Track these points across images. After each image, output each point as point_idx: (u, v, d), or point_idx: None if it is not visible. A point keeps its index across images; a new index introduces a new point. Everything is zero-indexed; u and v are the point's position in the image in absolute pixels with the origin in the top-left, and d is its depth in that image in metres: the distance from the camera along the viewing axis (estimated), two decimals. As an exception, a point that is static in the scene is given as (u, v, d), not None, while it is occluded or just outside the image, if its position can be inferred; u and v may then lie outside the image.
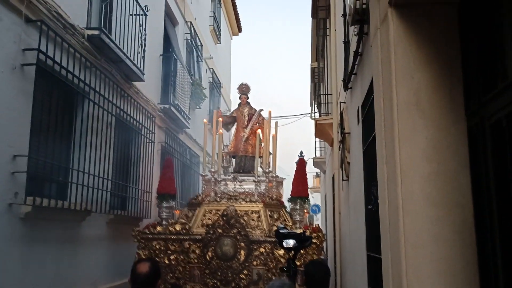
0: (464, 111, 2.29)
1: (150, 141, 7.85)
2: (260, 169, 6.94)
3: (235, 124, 7.89)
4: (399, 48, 2.42)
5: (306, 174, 6.54)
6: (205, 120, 8.09)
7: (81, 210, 5.23)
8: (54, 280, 4.81)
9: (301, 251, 4.93)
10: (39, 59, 4.40)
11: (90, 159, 5.46)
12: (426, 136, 2.32)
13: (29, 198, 4.23)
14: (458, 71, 2.34)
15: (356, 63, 4.43)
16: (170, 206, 6.21)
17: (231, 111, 8.28)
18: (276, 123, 7.38)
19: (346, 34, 5.25)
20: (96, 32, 5.46)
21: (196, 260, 5.72)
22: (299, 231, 5.50)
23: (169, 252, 5.78)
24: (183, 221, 6.08)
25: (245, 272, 5.57)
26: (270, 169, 6.91)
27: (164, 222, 6.05)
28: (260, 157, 7.00)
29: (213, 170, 6.78)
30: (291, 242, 2.83)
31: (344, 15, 5.32)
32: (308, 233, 5.33)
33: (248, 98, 7.91)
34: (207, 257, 5.62)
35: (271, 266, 5.57)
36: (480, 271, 2.13)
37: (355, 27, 4.05)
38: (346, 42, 5.26)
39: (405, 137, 2.35)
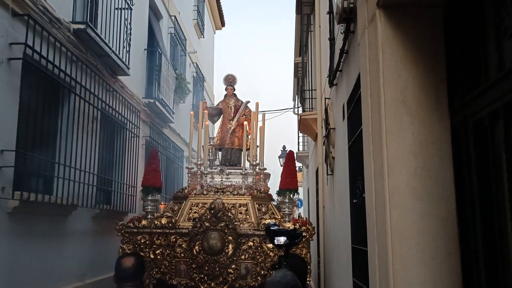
0: (448, 108, 2.39)
1: (134, 136, 7.85)
2: (247, 162, 6.82)
3: (221, 116, 7.69)
4: (386, 47, 2.50)
5: (295, 166, 6.34)
6: (191, 112, 7.75)
7: (67, 205, 5.23)
8: (41, 274, 4.82)
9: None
10: (26, 53, 4.38)
11: (76, 153, 5.46)
12: (413, 132, 2.41)
13: (16, 192, 4.23)
14: (443, 70, 2.44)
15: (342, 60, 4.52)
16: (155, 199, 6.01)
17: (217, 103, 8.00)
18: (264, 115, 7.27)
19: (332, 31, 5.33)
20: (82, 26, 5.44)
21: (182, 255, 5.56)
22: (288, 224, 5.49)
23: (155, 246, 5.61)
24: (169, 214, 5.88)
25: (233, 266, 5.44)
26: (257, 161, 6.78)
27: (149, 216, 5.85)
28: (247, 149, 6.88)
29: (199, 163, 6.62)
30: (282, 239, 2.74)
31: (330, 12, 5.40)
32: (298, 226, 5.46)
33: (234, 89, 7.72)
34: (194, 251, 5.45)
35: (260, 260, 5.45)
36: (462, 261, 2.24)
37: (341, 25, 4.14)
38: (332, 39, 5.34)
39: (392, 133, 2.44)
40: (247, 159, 6.82)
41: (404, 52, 2.50)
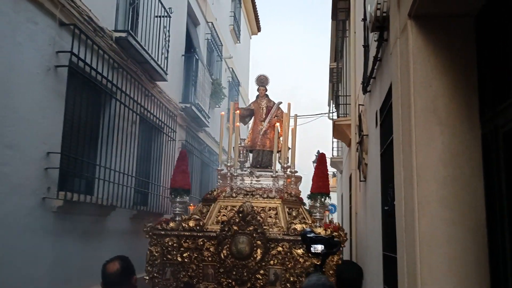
0: (479, 118, 2.40)
1: (171, 139, 8.07)
2: (278, 164, 6.63)
3: (253, 117, 7.52)
4: (417, 57, 2.54)
5: (327, 170, 6.03)
6: (222, 113, 7.55)
7: (107, 205, 5.46)
8: (81, 271, 5.05)
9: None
10: (71, 61, 4.62)
11: (115, 156, 5.69)
12: (443, 142, 2.44)
13: (61, 192, 4.47)
14: (474, 80, 2.45)
15: (376, 67, 4.54)
16: (183, 201, 5.85)
17: (249, 103, 7.79)
18: (296, 116, 7.01)
19: (366, 38, 5.36)
20: (123, 35, 5.68)
21: (210, 258, 5.42)
22: (319, 230, 5.29)
23: (182, 249, 5.47)
24: (197, 217, 5.76)
25: (262, 272, 5.28)
26: (289, 164, 6.55)
27: (177, 218, 5.71)
28: (279, 151, 6.69)
29: (229, 164, 6.43)
30: (319, 247, 2.61)
31: (364, 19, 5.43)
32: (329, 232, 5.28)
33: (266, 90, 7.54)
34: (222, 255, 5.32)
35: (289, 266, 5.27)
36: (491, 271, 2.25)
37: (375, 33, 4.17)
38: (366, 46, 5.36)
39: (422, 142, 2.47)
40: (278, 162, 6.66)
41: (435, 62, 2.52)
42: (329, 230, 5.30)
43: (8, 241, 3.79)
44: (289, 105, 6.91)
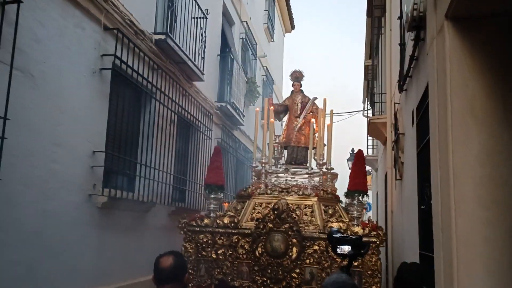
0: (517, 118, 2.40)
1: (207, 138, 8.25)
2: (313, 161, 6.44)
3: (287, 113, 7.33)
4: (454, 58, 2.56)
5: (365, 167, 5.85)
6: (257, 109, 7.35)
7: (147, 202, 5.67)
8: (123, 264, 5.28)
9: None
10: (114, 63, 4.83)
11: (155, 154, 5.89)
12: (479, 142, 2.45)
13: (105, 189, 4.69)
14: (511, 81, 2.45)
15: (412, 66, 4.54)
16: (218, 198, 5.80)
17: (282, 96, 7.85)
18: (332, 112, 6.76)
19: (402, 37, 5.34)
20: (162, 37, 5.87)
21: (244, 256, 5.33)
22: (357, 229, 5.16)
23: (217, 246, 5.42)
24: (231, 214, 5.68)
25: (297, 270, 5.16)
26: (324, 160, 6.40)
27: (211, 215, 5.65)
28: (314, 148, 6.51)
29: (263, 161, 6.31)
30: (346, 248, 2.48)
31: (400, 17, 5.40)
32: (367, 230, 5.16)
33: (301, 85, 7.31)
34: (257, 253, 5.22)
35: (326, 265, 5.14)
36: (529, 271, 2.26)
37: (411, 32, 4.17)
38: (402, 45, 5.34)
39: (459, 142, 2.49)
40: (314, 158, 6.49)
41: (472, 63, 2.54)
42: (367, 229, 5.18)
43: (57, 234, 4.03)
44: (324, 100, 6.74)
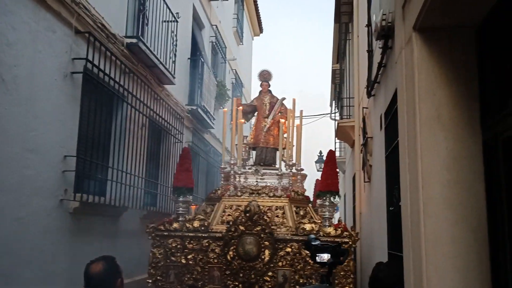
0: (480, 125, 2.56)
1: (178, 141, 8.24)
2: (282, 162, 6.36)
3: (256, 114, 7.20)
4: (422, 68, 2.70)
5: (336, 167, 5.80)
6: (225, 109, 7.21)
7: (119, 206, 5.63)
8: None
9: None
10: (86, 67, 4.79)
11: (126, 158, 5.86)
12: (446, 147, 2.60)
13: (77, 194, 4.64)
14: (476, 90, 2.61)
15: (380, 73, 4.71)
16: (187, 201, 5.60)
17: (251, 97, 7.64)
18: (301, 112, 6.66)
19: (370, 44, 5.52)
20: (134, 40, 5.85)
21: (215, 260, 5.19)
22: (329, 230, 5.14)
23: (186, 251, 5.24)
24: (201, 217, 5.49)
25: (270, 273, 5.05)
26: (294, 161, 6.31)
27: (180, 218, 5.45)
28: (283, 148, 6.41)
29: (232, 162, 6.13)
30: (325, 257, 2.42)
31: (368, 25, 5.59)
32: (339, 231, 5.14)
33: (269, 85, 7.18)
34: (228, 257, 5.10)
35: (299, 267, 5.04)
36: (492, 268, 2.41)
37: (380, 40, 4.33)
38: (370, 51, 5.52)
39: (427, 147, 2.63)
40: (283, 159, 6.40)
41: (439, 72, 2.69)
42: (339, 229, 5.18)
43: (30, 240, 3.97)
44: (294, 100, 6.63)
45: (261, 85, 7.22)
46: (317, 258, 2.43)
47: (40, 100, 4.12)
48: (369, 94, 5.57)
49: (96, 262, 2.62)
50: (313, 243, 2.47)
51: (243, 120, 6.55)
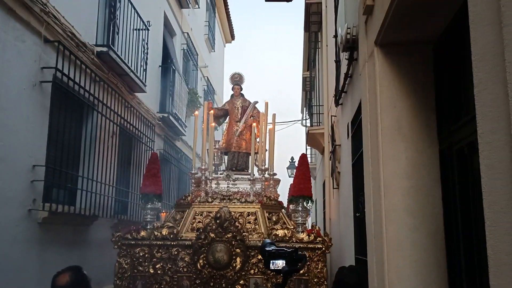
0: (437, 136, 2.72)
1: (149, 149, 8.22)
2: (255, 167, 6.23)
3: (227, 118, 7.03)
4: (383, 81, 2.85)
5: (309, 172, 5.68)
6: (196, 112, 6.94)
7: (89, 215, 5.59)
8: (65, 281, 5.16)
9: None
10: (55, 76, 4.77)
11: (97, 167, 5.83)
12: (406, 157, 2.74)
13: (46, 204, 4.61)
14: (433, 102, 2.77)
15: (347, 83, 4.87)
16: (155, 208, 5.41)
17: (223, 103, 7.24)
18: (274, 116, 6.53)
19: (337, 54, 5.69)
20: (104, 49, 5.85)
21: (185, 269, 5.03)
22: (302, 235, 5.06)
23: (154, 260, 5.06)
24: (170, 224, 5.31)
25: (241, 282, 4.95)
26: (267, 166, 6.19)
27: (148, 226, 5.27)
28: (256, 153, 6.28)
29: (203, 167, 5.97)
30: (280, 263, 2.18)
31: (335, 36, 5.76)
32: (312, 237, 5.06)
33: (241, 89, 7.01)
34: (198, 266, 4.95)
35: (271, 275, 4.88)
36: (448, 271, 2.56)
37: (346, 52, 4.49)
38: (337, 61, 5.69)
39: (388, 156, 2.77)
40: (255, 164, 6.27)
41: (399, 85, 2.84)
42: (312, 235, 5.10)
43: (-2, 251, 3.92)
44: (266, 104, 6.49)
45: (232, 89, 7.07)
46: (271, 265, 2.19)
47: (9, 109, 4.09)
48: (337, 103, 5.73)
49: (63, 274, 2.62)
50: (267, 248, 2.24)
51: (214, 124, 6.41)
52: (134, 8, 6.88)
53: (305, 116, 15.80)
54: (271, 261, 2.20)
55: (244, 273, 4.98)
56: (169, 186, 9.79)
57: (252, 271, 5.01)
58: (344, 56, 4.81)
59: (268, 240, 2.37)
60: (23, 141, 4.32)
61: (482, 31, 1.28)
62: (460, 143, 2.34)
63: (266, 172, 6.16)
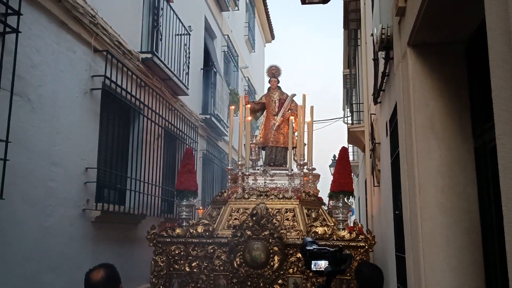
0: (471, 134, 2.74)
1: (193, 150, 8.49)
2: (293, 162, 6.04)
3: (264, 112, 6.84)
4: (416, 81, 2.89)
5: (350, 166, 5.37)
6: (232, 107, 6.78)
7: (137, 214, 5.90)
8: (117, 275, 5.48)
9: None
10: (104, 83, 5.08)
11: (144, 168, 6.14)
12: (440, 155, 2.78)
13: (98, 204, 4.92)
14: (467, 100, 2.79)
15: (384, 81, 4.89)
16: (191, 205, 5.32)
17: (260, 96, 7.00)
18: (312, 108, 6.28)
19: (375, 52, 5.69)
20: (149, 55, 6.14)
21: (221, 268, 4.91)
22: (343, 233, 4.80)
23: (190, 258, 4.96)
24: (206, 221, 5.16)
25: (280, 281, 4.76)
26: (305, 161, 5.95)
27: (184, 223, 5.16)
28: (294, 147, 6.10)
29: (240, 163, 5.77)
30: (322, 264, 2.05)
31: (372, 35, 5.76)
32: (354, 235, 4.82)
33: (278, 82, 6.80)
34: (235, 264, 4.81)
35: (310, 274, 4.62)
36: (485, 267, 2.58)
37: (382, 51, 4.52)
38: (375, 60, 5.70)
39: (422, 155, 2.82)
40: (294, 159, 6.08)
41: (432, 84, 2.88)
42: (354, 232, 4.87)
43: (56, 248, 4.25)
44: (304, 96, 6.26)
45: (269, 82, 6.87)
46: (312, 265, 2.07)
47: (63, 116, 4.42)
48: (375, 101, 5.75)
49: (96, 270, 2.64)
50: (308, 247, 2.10)
51: (250, 118, 6.21)
52: (176, 15, 7.15)
53: (347, 114, 15.72)
54: (313, 262, 2.09)
55: (282, 272, 4.81)
56: (212, 185, 10.06)
57: (290, 270, 4.83)
58: (381, 54, 4.83)
59: (309, 239, 2.27)
60: (76, 146, 4.64)
61: (495, 39, 1.35)
62: (493, 141, 2.36)
63: (305, 167, 5.94)
